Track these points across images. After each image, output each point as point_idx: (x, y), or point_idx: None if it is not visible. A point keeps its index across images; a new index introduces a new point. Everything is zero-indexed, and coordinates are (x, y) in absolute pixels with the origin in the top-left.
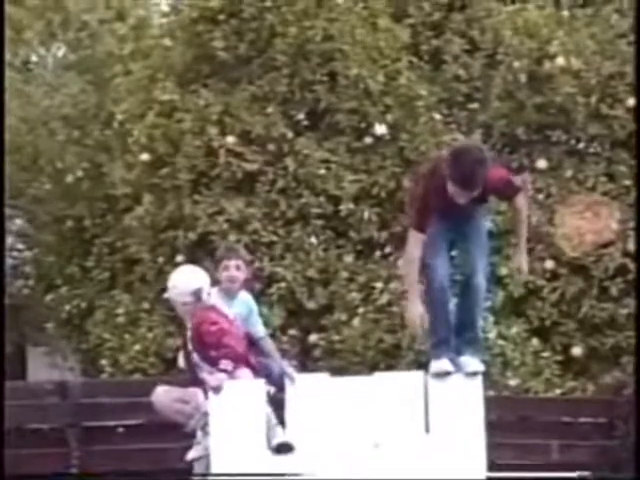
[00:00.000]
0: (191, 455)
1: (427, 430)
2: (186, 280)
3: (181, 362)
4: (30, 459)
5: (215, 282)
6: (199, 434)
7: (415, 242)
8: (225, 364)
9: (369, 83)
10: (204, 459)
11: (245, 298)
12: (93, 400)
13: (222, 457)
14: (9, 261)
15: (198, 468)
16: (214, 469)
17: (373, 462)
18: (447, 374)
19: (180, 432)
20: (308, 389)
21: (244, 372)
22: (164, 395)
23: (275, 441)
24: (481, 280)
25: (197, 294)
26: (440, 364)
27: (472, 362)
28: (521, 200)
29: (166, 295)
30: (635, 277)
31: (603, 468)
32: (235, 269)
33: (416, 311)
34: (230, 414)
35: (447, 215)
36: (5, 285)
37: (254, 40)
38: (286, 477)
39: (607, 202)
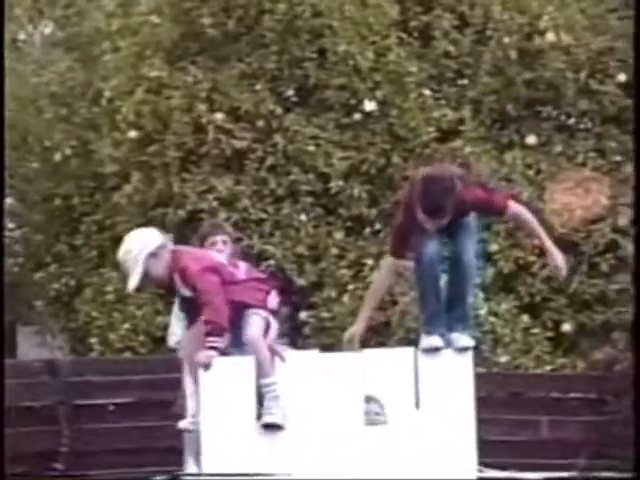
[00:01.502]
0: (182, 425)
1: (417, 406)
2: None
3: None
4: (20, 437)
5: None
6: (190, 404)
7: (387, 267)
8: (213, 340)
9: (358, 59)
10: (195, 433)
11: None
12: (83, 378)
13: (212, 433)
14: None
15: (188, 440)
16: (205, 445)
17: (363, 438)
18: (437, 350)
19: (170, 410)
20: (298, 365)
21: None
22: None
23: (264, 419)
24: (471, 257)
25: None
26: (430, 340)
27: (462, 338)
28: (514, 209)
29: (131, 282)
30: (633, 256)
31: (593, 444)
32: (222, 244)
33: (357, 330)
34: (220, 390)
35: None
36: (4, 268)
37: (242, 17)
38: (282, 477)
39: (597, 178)
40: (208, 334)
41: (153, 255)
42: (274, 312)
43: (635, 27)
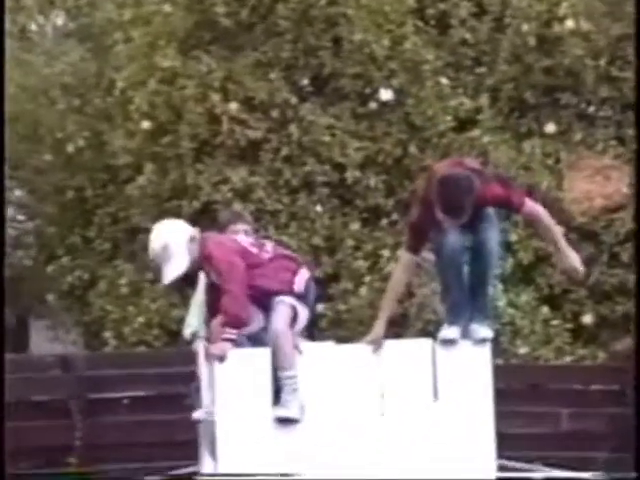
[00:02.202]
0: (196, 415)
1: (435, 397)
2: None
3: (186, 333)
4: (34, 431)
5: None
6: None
7: (404, 264)
8: (229, 333)
9: (374, 48)
10: (210, 423)
11: None
12: (96, 372)
13: (227, 426)
14: (10, 232)
15: (204, 431)
16: (219, 438)
17: (381, 429)
18: (453, 342)
19: (184, 404)
20: (314, 357)
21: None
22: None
23: (280, 413)
24: (493, 245)
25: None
26: (450, 331)
27: (482, 329)
28: (530, 208)
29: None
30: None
31: (615, 437)
32: (243, 234)
33: (379, 333)
34: (235, 382)
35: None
36: (5, 259)
37: (256, 5)
38: (289, 477)
39: (617, 166)
40: (225, 324)
41: (192, 240)
42: (302, 296)
43: (635, 27)
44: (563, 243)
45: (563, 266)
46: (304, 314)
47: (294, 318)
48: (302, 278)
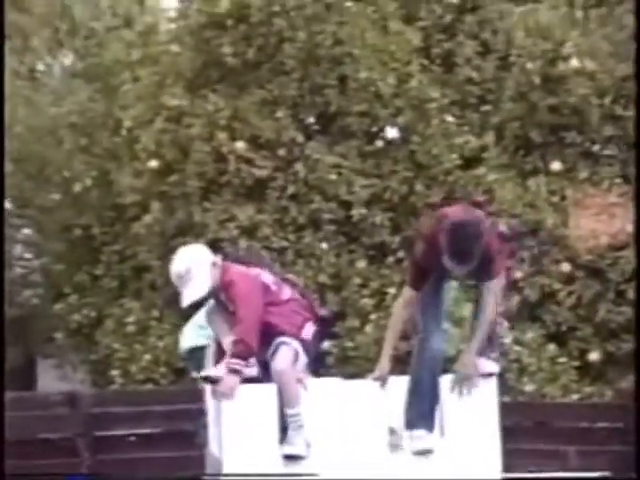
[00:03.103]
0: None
1: (442, 433)
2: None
3: (183, 346)
4: (41, 469)
5: None
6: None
7: (406, 299)
8: (236, 363)
9: (380, 86)
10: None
11: None
12: (103, 409)
13: (234, 461)
14: (18, 270)
15: (211, 467)
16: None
17: (387, 466)
18: (430, 452)
19: (191, 441)
20: (321, 393)
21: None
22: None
23: (286, 450)
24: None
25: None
26: (424, 442)
27: (488, 363)
28: (496, 285)
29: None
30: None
31: (621, 475)
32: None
33: (385, 370)
34: (242, 417)
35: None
36: (4, 290)
37: (263, 45)
38: (296, 478)
39: (622, 204)
40: (234, 355)
41: (214, 265)
42: (305, 342)
43: (635, 28)
44: (475, 343)
45: (461, 360)
46: (303, 361)
47: (295, 361)
48: (310, 327)
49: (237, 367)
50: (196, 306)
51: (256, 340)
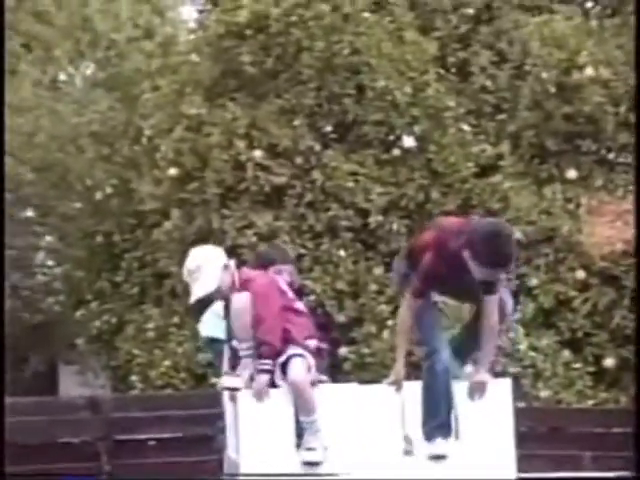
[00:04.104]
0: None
1: (457, 437)
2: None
3: (203, 331)
4: (62, 473)
5: None
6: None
7: (410, 307)
8: (265, 363)
9: (396, 95)
10: (235, 463)
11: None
12: (124, 414)
13: (252, 465)
14: (40, 278)
15: (229, 471)
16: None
17: (402, 470)
18: (444, 457)
19: (209, 445)
20: (338, 399)
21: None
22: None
23: (304, 457)
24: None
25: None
26: (439, 447)
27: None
28: (495, 300)
29: (202, 290)
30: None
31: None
32: (287, 275)
33: (399, 376)
34: (259, 421)
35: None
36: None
37: (281, 55)
38: (311, 477)
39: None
40: (260, 356)
41: (225, 267)
42: (314, 355)
43: (635, 29)
44: (489, 351)
45: (472, 377)
46: (314, 371)
47: (309, 371)
48: (314, 344)
49: (265, 367)
50: (205, 304)
51: (279, 339)
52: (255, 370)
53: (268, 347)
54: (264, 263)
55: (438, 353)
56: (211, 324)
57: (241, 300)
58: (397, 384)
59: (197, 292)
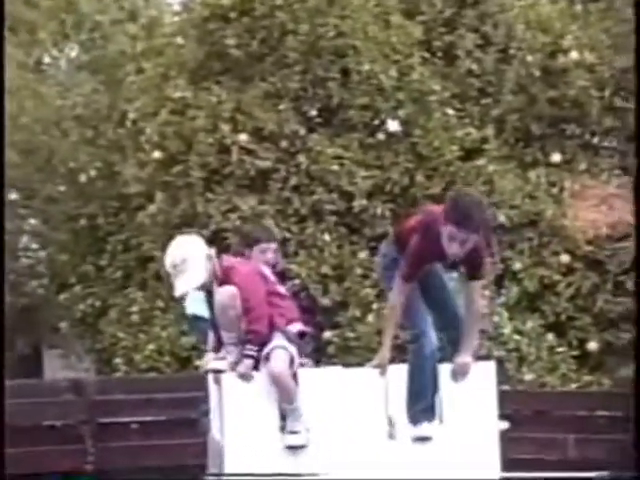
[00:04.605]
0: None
1: (441, 421)
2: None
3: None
4: (46, 455)
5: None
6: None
7: (401, 291)
8: (250, 349)
9: (382, 79)
10: (218, 445)
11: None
12: (108, 397)
13: (236, 448)
14: (24, 261)
15: (212, 453)
16: (227, 461)
17: (386, 453)
18: (429, 439)
19: (193, 428)
20: (321, 382)
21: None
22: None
23: (288, 441)
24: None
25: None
26: (426, 429)
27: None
28: (478, 286)
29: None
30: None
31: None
32: (272, 253)
33: (386, 357)
34: (243, 404)
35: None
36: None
37: (266, 38)
38: (298, 477)
39: (622, 195)
40: (247, 342)
41: (208, 258)
42: (295, 338)
43: (635, 31)
44: (472, 337)
45: (455, 359)
46: (297, 362)
47: (291, 363)
48: (299, 327)
49: (251, 353)
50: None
51: (266, 325)
52: (241, 354)
53: (255, 335)
54: (249, 242)
55: (425, 336)
56: (197, 302)
57: (226, 294)
58: (382, 367)
59: (183, 286)
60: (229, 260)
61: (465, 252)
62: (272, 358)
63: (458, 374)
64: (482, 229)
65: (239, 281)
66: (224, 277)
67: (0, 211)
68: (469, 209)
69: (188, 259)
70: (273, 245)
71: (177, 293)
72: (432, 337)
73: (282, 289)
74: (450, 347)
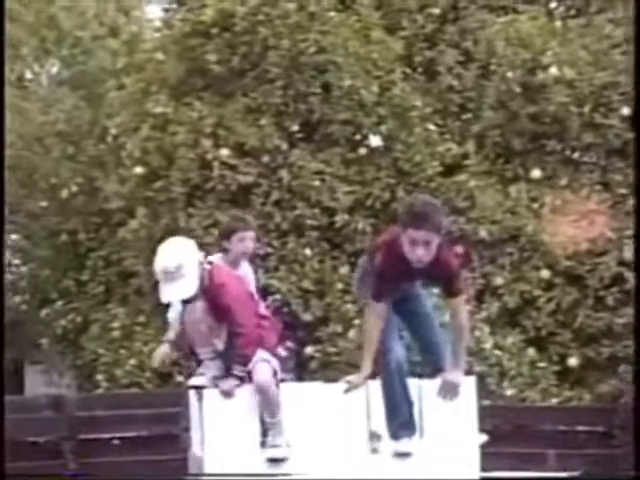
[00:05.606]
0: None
1: (421, 435)
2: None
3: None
4: (28, 471)
5: (220, 250)
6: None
7: (375, 313)
8: (238, 370)
9: (363, 94)
10: (199, 460)
11: (247, 269)
12: (88, 413)
13: (216, 463)
14: (7, 276)
15: (194, 469)
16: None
17: (367, 468)
18: (410, 455)
19: (174, 444)
20: (303, 397)
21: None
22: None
23: (269, 454)
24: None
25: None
26: (406, 445)
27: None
28: (461, 302)
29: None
30: (634, 286)
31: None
32: (251, 241)
33: (359, 380)
34: (223, 420)
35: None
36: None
37: (247, 53)
38: (281, 477)
39: (602, 210)
40: (235, 362)
41: (200, 265)
42: (280, 359)
43: (635, 33)
44: (461, 354)
45: (443, 377)
46: (279, 376)
47: (274, 375)
48: (278, 345)
49: (241, 374)
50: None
51: (256, 350)
52: (225, 372)
53: (246, 359)
54: (226, 233)
55: (390, 352)
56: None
57: (197, 311)
58: (358, 383)
59: (173, 294)
60: (219, 274)
61: (432, 256)
62: (256, 370)
63: (447, 392)
64: (442, 229)
65: (232, 304)
66: (214, 294)
67: (0, 211)
68: (424, 207)
69: (182, 266)
70: (251, 233)
71: (165, 299)
72: (398, 352)
73: (263, 309)
74: (429, 369)
